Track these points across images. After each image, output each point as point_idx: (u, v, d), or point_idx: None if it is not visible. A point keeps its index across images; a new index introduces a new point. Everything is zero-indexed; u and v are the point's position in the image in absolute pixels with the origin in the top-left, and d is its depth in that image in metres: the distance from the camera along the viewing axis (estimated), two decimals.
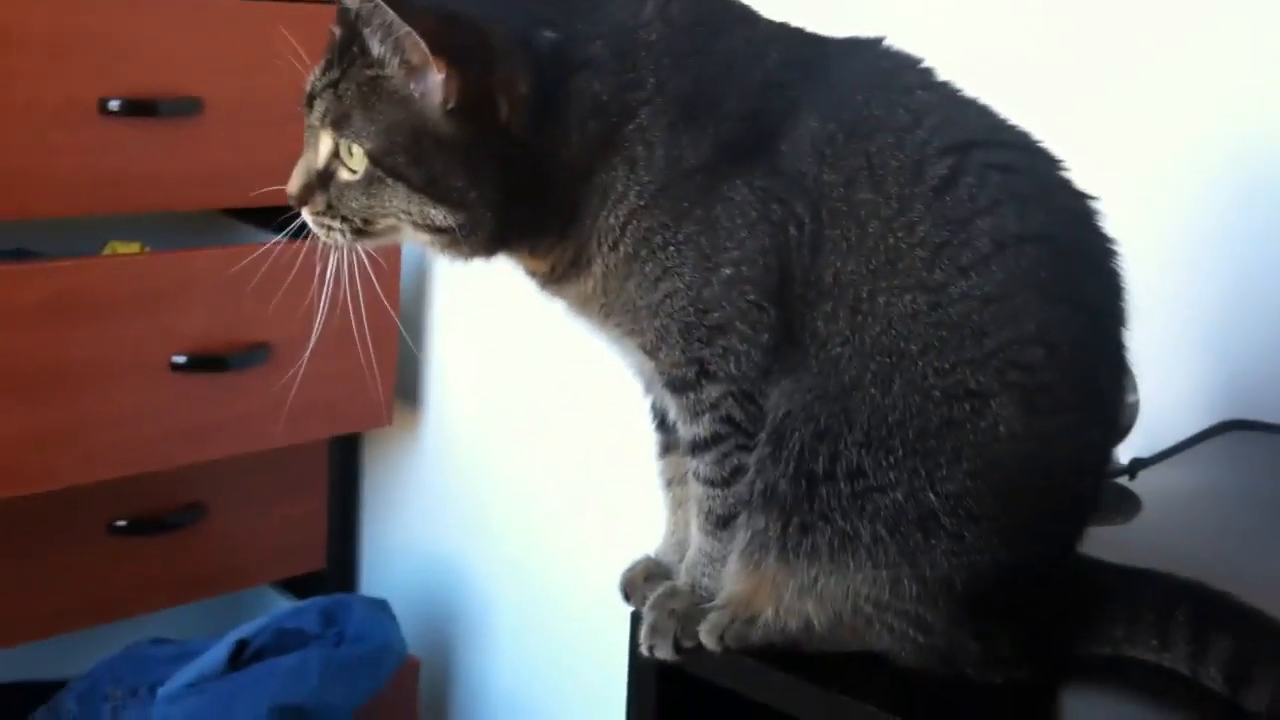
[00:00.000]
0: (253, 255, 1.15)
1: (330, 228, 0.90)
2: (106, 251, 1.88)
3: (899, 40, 0.92)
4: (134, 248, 1.89)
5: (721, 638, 0.87)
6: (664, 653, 0.90)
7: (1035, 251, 0.84)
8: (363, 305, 0.95)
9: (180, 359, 1.76)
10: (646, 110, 0.86)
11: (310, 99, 0.89)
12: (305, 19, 1.69)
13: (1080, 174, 0.90)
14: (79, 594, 1.89)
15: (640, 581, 0.98)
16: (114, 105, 1.69)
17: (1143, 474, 1.18)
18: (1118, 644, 0.87)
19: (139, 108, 1.71)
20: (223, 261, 1.74)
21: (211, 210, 2.05)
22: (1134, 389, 1.12)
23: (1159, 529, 1.09)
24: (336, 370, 1.76)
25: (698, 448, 0.90)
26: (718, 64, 0.88)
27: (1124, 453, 1.16)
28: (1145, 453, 1.20)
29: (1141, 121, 1.31)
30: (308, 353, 1.01)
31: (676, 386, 0.90)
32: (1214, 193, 1.29)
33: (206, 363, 1.78)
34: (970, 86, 0.91)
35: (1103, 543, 0.91)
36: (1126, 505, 1.13)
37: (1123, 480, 1.17)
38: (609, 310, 0.91)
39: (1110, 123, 1.32)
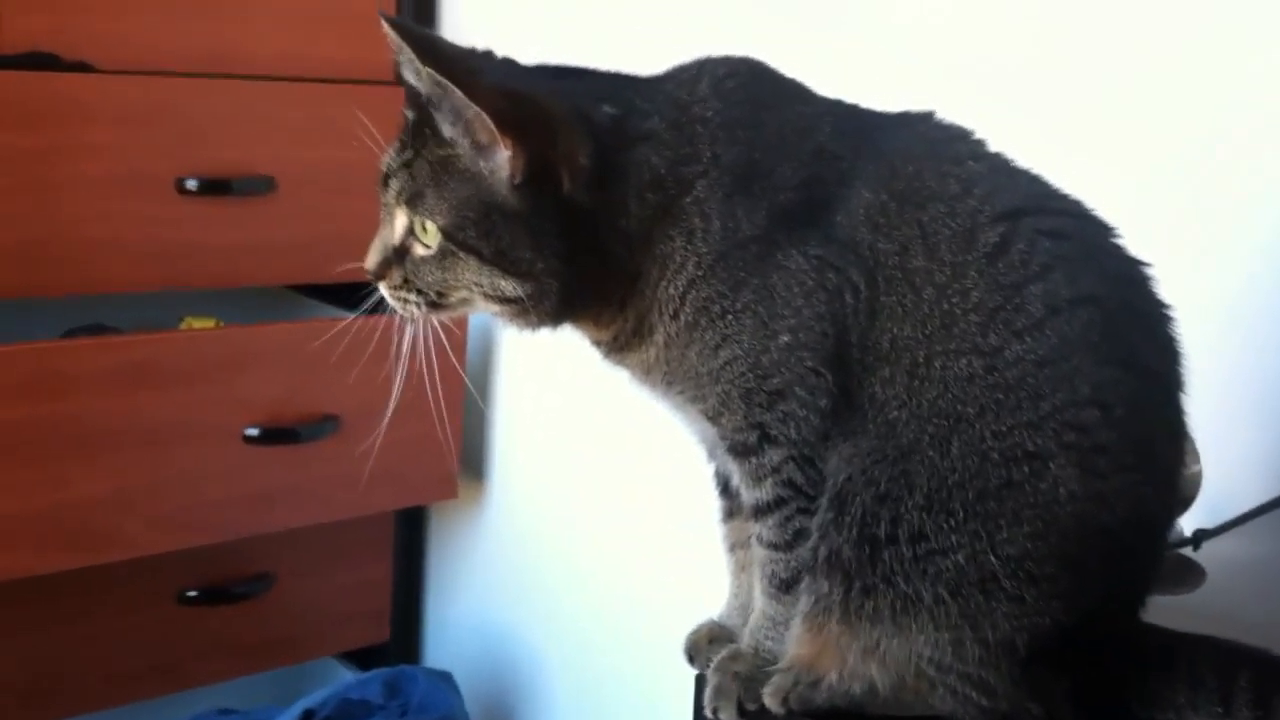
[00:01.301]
0: (327, 332, 1.18)
1: (407, 300, 0.93)
2: (182, 327, 1.93)
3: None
4: (209, 323, 1.94)
5: (786, 700, 0.88)
6: (728, 715, 0.91)
7: (1087, 315, 0.85)
8: (439, 378, 0.98)
9: (253, 431, 1.80)
10: (702, 183, 0.89)
11: (386, 178, 0.92)
12: (375, 100, 1.74)
13: (1136, 240, 0.91)
14: (147, 662, 1.91)
15: (704, 644, 0.99)
16: (191, 184, 1.75)
17: (1207, 545, 1.16)
18: (1181, 710, 0.86)
19: (214, 186, 1.77)
20: (293, 336, 1.79)
21: (281, 286, 2.11)
22: (1197, 459, 1.12)
23: (1223, 599, 1.08)
24: (403, 442, 1.79)
25: (760, 511, 0.91)
26: (771, 137, 0.90)
27: (1187, 523, 1.16)
28: (1209, 523, 1.19)
29: (1197, 187, 1.31)
30: (384, 423, 1.03)
31: (739, 451, 0.91)
32: (1272, 259, 1.28)
33: (278, 434, 1.82)
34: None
35: (1168, 612, 0.91)
36: (1191, 575, 1.12)
37: (1187, 551, 1.16)
38: (671, 378, 0.93)
39: (1166, 189, 1.32)
